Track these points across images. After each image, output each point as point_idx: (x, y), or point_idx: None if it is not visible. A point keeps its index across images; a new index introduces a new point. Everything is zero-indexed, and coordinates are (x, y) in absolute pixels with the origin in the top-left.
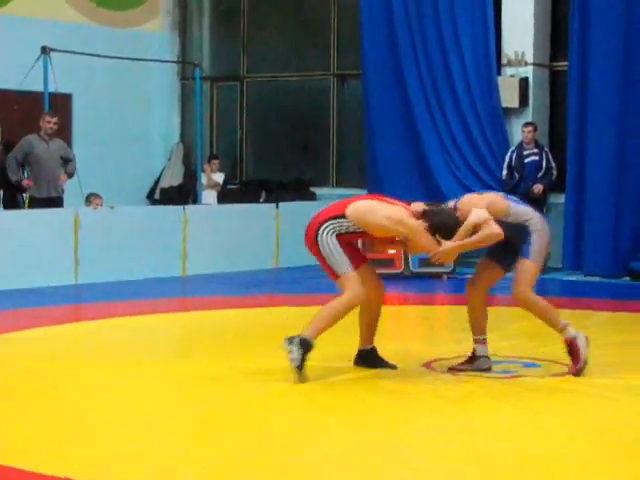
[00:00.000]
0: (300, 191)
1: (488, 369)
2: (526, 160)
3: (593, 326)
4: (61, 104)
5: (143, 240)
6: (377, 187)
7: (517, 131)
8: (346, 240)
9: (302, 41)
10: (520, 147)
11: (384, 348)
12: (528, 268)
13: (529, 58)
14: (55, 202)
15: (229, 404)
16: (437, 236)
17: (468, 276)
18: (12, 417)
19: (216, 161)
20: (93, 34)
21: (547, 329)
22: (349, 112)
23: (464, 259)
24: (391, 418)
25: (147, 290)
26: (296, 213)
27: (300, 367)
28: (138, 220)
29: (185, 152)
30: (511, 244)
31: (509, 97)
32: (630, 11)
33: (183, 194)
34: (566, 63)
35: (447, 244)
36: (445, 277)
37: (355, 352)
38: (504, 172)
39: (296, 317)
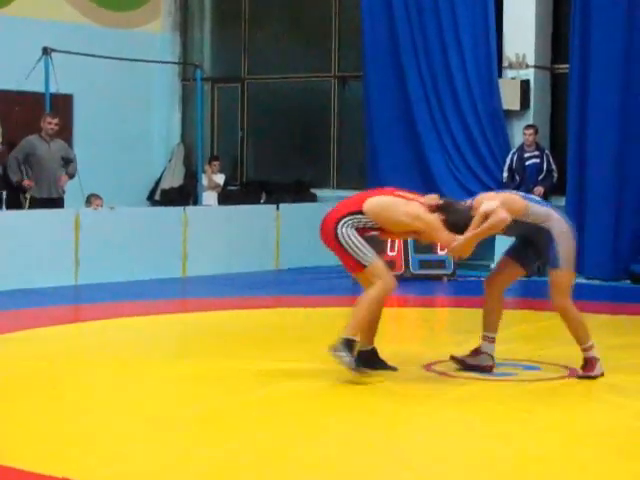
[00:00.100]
0: (300, 193)
1: (489, 368)
2: (527, 163)
3: (593, 329)
4: (62, 105)
5: (143, 241)
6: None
7: (518, 133)
8: (362, 235)
9: (303, 43)
10: (521, 149)
11: (384, 350)
12: (560, 277)
13: (530, 60)
14: (56, 203)
15: (229, 404)
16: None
17: (471, 278)
18: (12, 417)
19: (217, 162)
20: (94, 35)
21: (546, 332)
22: (350, 114)
23: (465, 262)
24: (391, 419)
25: (147, 291)
26: (296, 214)
27: (357, 368)
28: (138, 221)
29: (186, 153)
30: (532, 244)
31: (510, 99)
32: (631, 14)
33: (184, 195)
34: (567, 66)
35: (460, 237)
36: (445, 279)
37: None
38: (505, 174)
39: (297, 318)
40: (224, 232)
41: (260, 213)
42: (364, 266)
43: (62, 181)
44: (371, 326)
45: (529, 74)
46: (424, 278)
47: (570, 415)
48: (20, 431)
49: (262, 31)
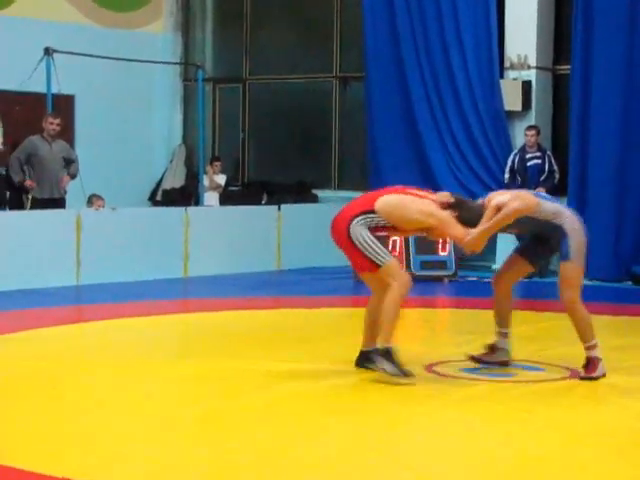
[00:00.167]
0: (302, 193)
1: (506, 362)
2: (528, 163)
3: (595, 330)
4: (64, 105)
5: (145, 241)
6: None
7: (520, 134)
8: (374, 234)
9: (305, 43)
10: (523, 150)
11: None
12: (571, 270)
13: (532, 61)
14: (57, 203)
15: (230, 405)
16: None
17: (472, 279)
18: (13, 417)
19: (218, 163)
20: (96, 35)
21: (547, 332)
22: (351, 114)
23: (466, 262)
24: (391, 419)
25: (149, 291)
26: (298, 215)
27: (404, 374)
28: (140, 221)
29: (187, 154)
30: (542, 241)
31: (512, 100)
32: (633, 15)
33: (185, 196)
34: (569, 67)
35: (474, 231)
36: (446, 280)
37: (356, 354)
38: (506, 175)
39: (298, 318)
40: (225, 233)
41: (261, 214)
42: (379, 266)
43: (64, 182)
44: (373, 326)
45: (531, 75)
46: (425, 279)
47: (571, 415)
48: (20, 431)
49: (264, 32)
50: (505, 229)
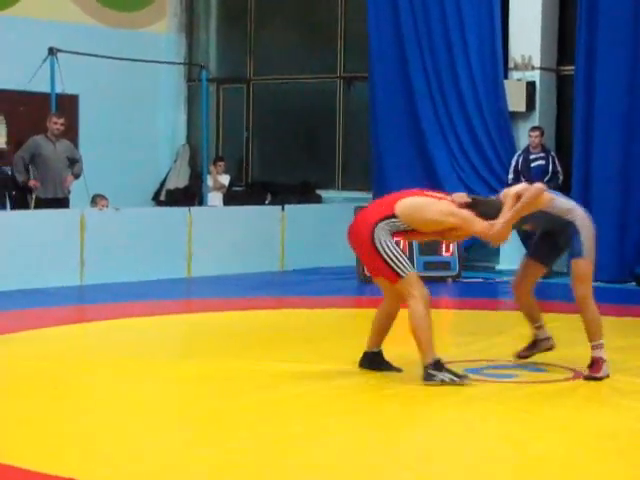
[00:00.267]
0: (306, 194)
1: (551, 348)
2: (532, 164)
3: None
4: (68, 105)
5: (148, 241)
6: (383, 190)
7: (524, 135)
8: (394, 240)
9: (309, 43)
10: (526, 151)
11: (389, 351)
12: (584, 267)
13: (536, 62)
14: (61, 203)
15: (231, 405)
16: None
17: (476, 280)
18: (13, 417)
19: (222, 163)
20: (100, 35)
21: (551, 334)
22: (355, 115)
23: (470, 264)
24: (392, 419)
25: (152, 291)
26: (302, 215)
27: (461, 378)
28: (144, 221)
29: (191, 154)
30: (551, 241)
31: (516, 101)
32: (637, 16)
33: (189, 196)
34: (573, 67)
35: (499, 221)
36: (450, 281)
37: (360, 355)
38: (510, 176)
39: (301, 319)
40: (229, 233)
41: (265, 214)
42: (400, 277)
43: (68, 181)
44: (381, 331)
45: (535, 76)
46: (429, 280)
47: (572, 416)
48: (22, 430)
49: (268, 32)
50: (519, 224)
